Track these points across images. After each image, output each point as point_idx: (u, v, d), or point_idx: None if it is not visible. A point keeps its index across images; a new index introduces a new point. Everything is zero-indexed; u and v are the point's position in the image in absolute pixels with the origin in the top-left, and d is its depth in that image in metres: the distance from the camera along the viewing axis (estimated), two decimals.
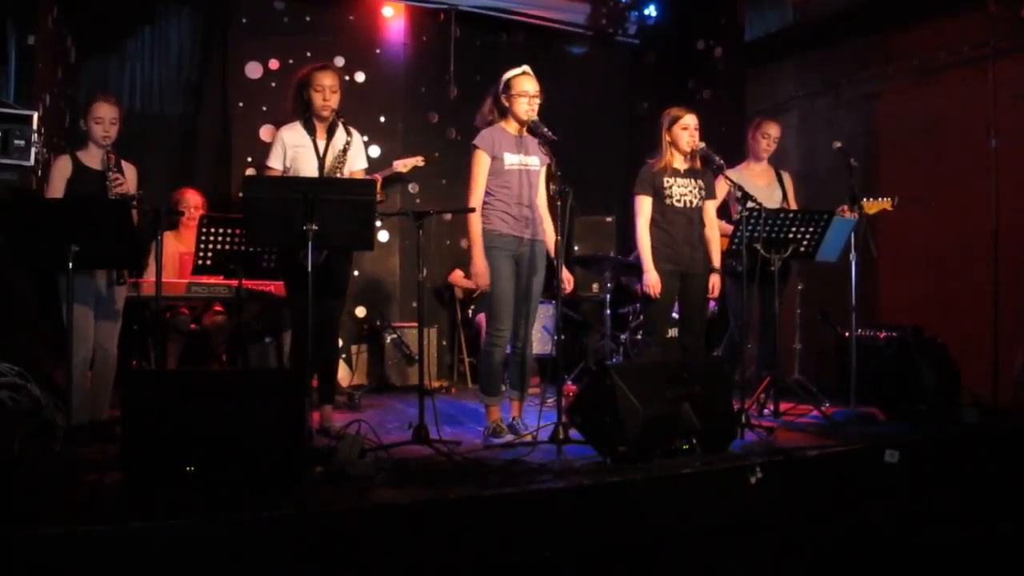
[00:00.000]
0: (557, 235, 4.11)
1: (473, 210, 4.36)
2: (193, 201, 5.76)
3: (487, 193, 4.41)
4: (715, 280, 4.96)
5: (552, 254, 4.34)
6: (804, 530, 3.74)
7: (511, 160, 4.40)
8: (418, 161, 4.63)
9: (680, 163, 4.90)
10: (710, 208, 5.00)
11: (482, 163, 4.38)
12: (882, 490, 4.07)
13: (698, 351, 4.96)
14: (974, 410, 4.88)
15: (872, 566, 3.66)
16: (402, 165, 4.59)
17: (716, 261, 5.00)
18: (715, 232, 5.02)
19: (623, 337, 6.51)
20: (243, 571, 2.78)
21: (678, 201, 4.84)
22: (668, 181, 4.84)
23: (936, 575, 3.61)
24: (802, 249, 4.92)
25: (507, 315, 4.41)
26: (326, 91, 4.44)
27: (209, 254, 4.55)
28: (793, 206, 5.45)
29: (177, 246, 5.67)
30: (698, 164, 4.92)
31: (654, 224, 4.85)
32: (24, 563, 2.54)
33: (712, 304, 5.61)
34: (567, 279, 4.49)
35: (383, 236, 7.12)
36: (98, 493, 3.13)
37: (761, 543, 3.61)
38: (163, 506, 2.89)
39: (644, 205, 4.85)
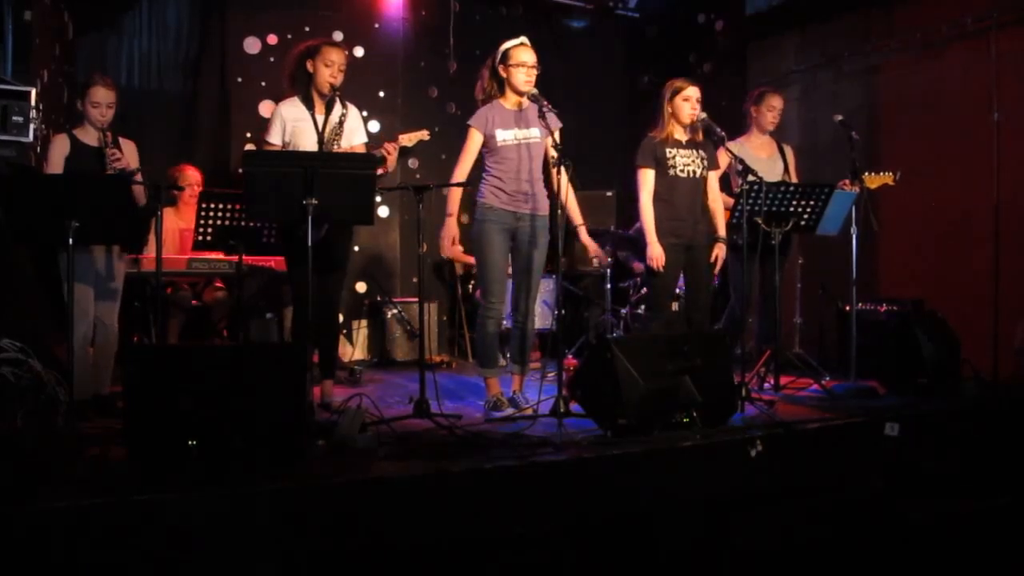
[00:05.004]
0: (560, 208, 4.11)
1: (468, 185, 4.42)
2: (192, 178, 5.75)
3: (484, 170, 4.44)
4: (719, 250, 4.92)
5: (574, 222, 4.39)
6: (804, 503, 3.76)
7: (504, 136, 4.40)
8: (423, 135, 4.73)
9: (681, 134, 4.86)
10: (712, 179, 4.95)
11: (472, 141, 4.43)
12: (882, 463, 4.09)
13: (704, 324, 4.95)
14: (974, 384, 4.89)
15: (872, 539, 3.68)
16: (407, 139, 4.67)
17: (721, 231, 4.95)
18: (719, 203, 4.97)
19: (624, 311, 6.51)
20: (245, 544, 2.80)
21: (682, 171, 4.80)
22: (671, 151, 4.79)
23: (936, 547, 3.62)
24: (803, 222, 4.91)
25: (499, 287, 4.43)
26: (335, 68, 4.45)
27: (209, 230, 4.55)
28: (795, 179, 5.42)
29: (177, 222, 5.67)
30: (699, 136, 4.89)
31: (657, 197, 4.80)
32: (28, 537, 2.55)
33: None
34: (594, 250, 4.56)
35: (383, 211, 7.11)
36: (101, 467, 3.15)
37: (761, 516, 3.63)
38: (166, 480, 2.90)
39: (647, 178, 4.81)
